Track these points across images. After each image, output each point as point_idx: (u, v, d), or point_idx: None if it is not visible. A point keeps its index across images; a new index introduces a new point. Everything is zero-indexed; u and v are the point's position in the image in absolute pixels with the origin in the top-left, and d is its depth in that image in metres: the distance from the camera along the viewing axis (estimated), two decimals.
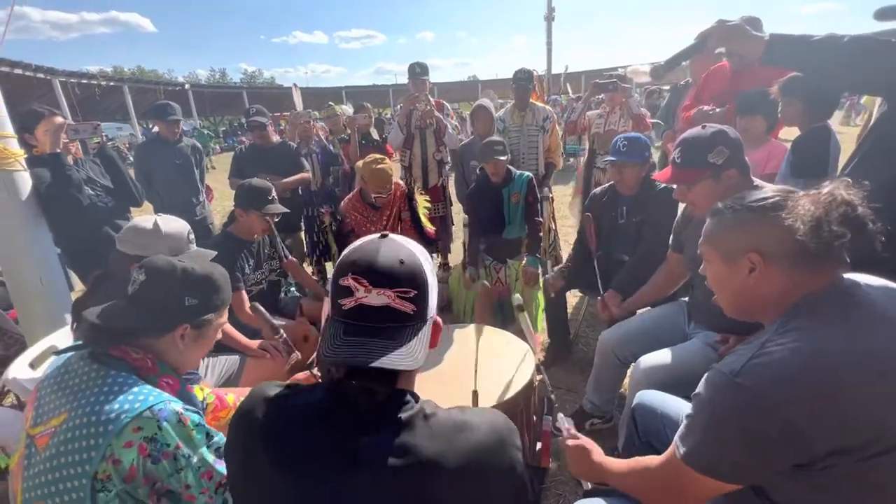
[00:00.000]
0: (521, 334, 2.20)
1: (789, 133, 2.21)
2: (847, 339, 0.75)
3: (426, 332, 0.70)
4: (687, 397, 1.00)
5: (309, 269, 3.38)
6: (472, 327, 2.02)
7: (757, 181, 1.44)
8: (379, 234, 0.73)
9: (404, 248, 0.71)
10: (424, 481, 0.63)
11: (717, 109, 2.50)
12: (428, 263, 0.73)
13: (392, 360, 0.63)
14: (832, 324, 0.78)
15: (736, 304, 0.94)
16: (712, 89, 2.68)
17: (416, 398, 0.70)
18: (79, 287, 2.81)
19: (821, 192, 0.81)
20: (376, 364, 0.63)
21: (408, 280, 0.68)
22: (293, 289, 2.64)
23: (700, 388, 0.83)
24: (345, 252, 0.72)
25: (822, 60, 1.23)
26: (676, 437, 0.85)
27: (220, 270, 1.12)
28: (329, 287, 0.72)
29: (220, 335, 1.16)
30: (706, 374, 0.83)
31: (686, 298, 1.86)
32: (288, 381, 1.13)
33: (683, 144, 1.46)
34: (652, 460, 0.91)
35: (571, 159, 7.99)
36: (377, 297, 0.66)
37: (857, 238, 0.78)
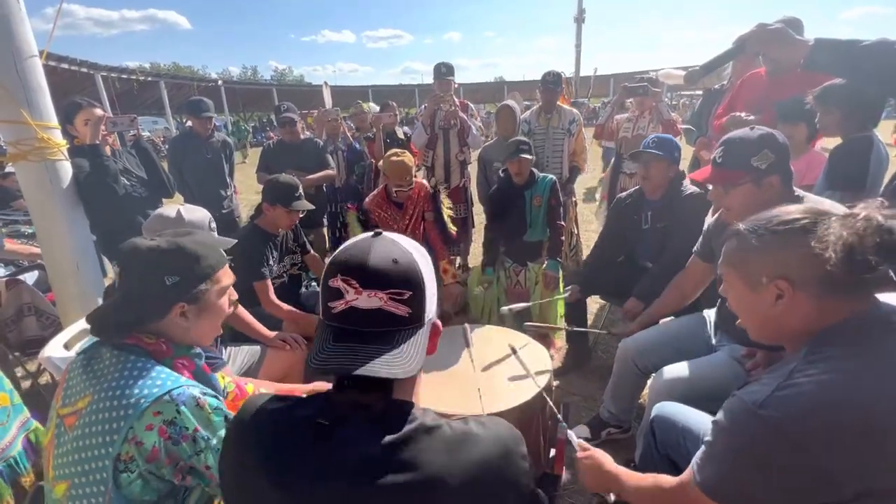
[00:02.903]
0: (541, 339, 2.19)
1: (831, 142, 2.12)
2: (882, 373, 0.70)
3: (423, 336, 0.66)
4: (711, 412, 0.96)
5: None
6: (488, 327, 2.01)
7: (798, 191, 1.39)
8: (372, 233, 0.69)
9: (398, 246, 0.67)
10: (427, 499, 0.59)
11: (752, 117, 2.41)
12: (425, 262, 0.68)
13: (379, 368, 0.59)
14: (866, 355, 0.72)
15: (762, 331, 0.89)
16: (746, 97, 2.58)
17: (415, 409, 0.65)
18: (111, 273, 2.91)
19: (855, 215, 0.74)
20: (363, 371, 0.58)
21: (401, 280, 0.63)
22: (314, 283, 2.69)
23: (720, 415, 0.79)
24: (335, 252, 0.68)
25: (871, 67, 1.15)
26: (694, 462, 0.83)
27: (194, 238, 1.05)
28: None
29: (231, 295, 1.11)
30: (727, 402, 0.79)
31: (710, 310, 1.80)
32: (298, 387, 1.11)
33: (727, 144, 1.40)
34: (666, 480, 0.89)
35: None
36: (368, 300, 0.62)
37: None
